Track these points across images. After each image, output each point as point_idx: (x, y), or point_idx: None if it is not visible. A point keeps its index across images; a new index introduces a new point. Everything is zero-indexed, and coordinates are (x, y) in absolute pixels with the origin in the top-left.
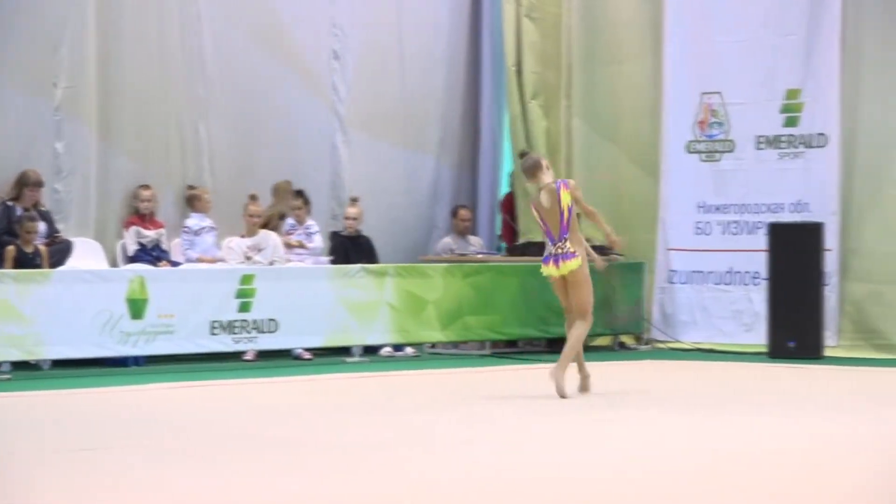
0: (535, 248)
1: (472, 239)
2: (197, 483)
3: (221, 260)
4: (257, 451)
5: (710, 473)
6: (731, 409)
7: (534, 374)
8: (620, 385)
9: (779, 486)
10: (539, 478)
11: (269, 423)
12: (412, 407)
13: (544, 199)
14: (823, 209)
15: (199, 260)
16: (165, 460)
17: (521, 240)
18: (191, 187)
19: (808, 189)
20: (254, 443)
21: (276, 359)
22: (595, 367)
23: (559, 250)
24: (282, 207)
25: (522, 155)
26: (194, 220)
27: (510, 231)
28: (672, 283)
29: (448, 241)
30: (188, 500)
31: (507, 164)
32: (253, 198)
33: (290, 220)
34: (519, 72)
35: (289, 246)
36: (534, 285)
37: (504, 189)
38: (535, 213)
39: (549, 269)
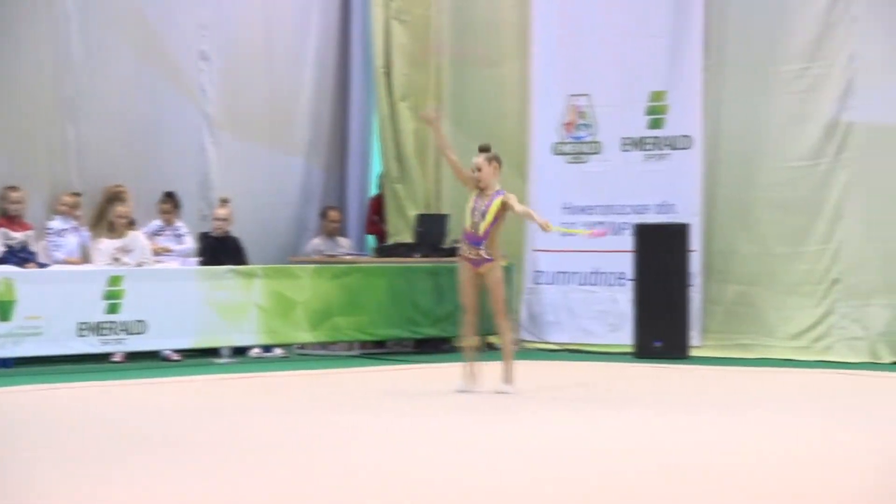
0: (404, 249)
1: (341, 240)
2: (59, 485)
3: (84, 261)
4: (122, 452)
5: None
6: (596, 408)
7: (402, 374)
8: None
9: (628, 483)
10: (397, 474)
11: (136, 424)
12: (281, 407)
13: (479, 202)
14: (688, 210)
15: (66, 262)
16: (32, 462)
17: (390, 241)
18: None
19: (673, 190)
20: (120, 444)
21: (145, 360)
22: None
23: (475, 255)
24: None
25: (487, 148)
26: (57, 222)
27: (379, 232)
28: (538, 283)
29: (317, 242)
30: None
31: (377, 166)
32: (121, 199)
33: (157, 222)
34: (388, 73)
35: (155, 252)
36: (402, 286)
37: (373, 190)
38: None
39: (465, 264)
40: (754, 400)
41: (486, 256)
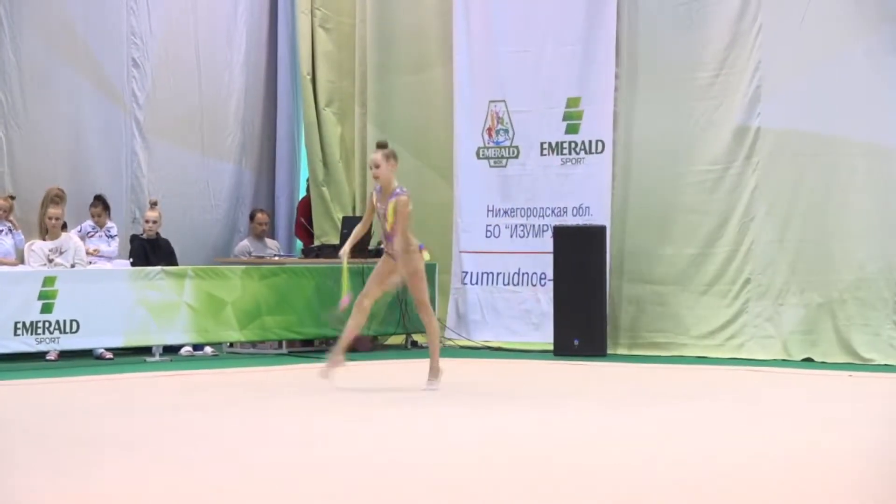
0: (330, 251)
1: (270, 242)
2: (4, 483)
3: (17, 262)
4: (55, 449)
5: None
6: (513, 404)
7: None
8: (412, 381)
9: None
10: (306, 467)
11: (72, 421)
12: (209, 404)
13: (380, 206)
14: (602, 213)
15: (1, 262)
16: None
17: (316, 242)
18: (10, 197)
19: (589, 194)
20: (51, 441)
21: (79, 359)
22: (387, 365)
23: (391, 250)
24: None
25: (384, 145)
26: None
27: (306, 234)
28: (464, 283)
29: (246, 243)
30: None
31: (304, 170)
32: (53, 201)
33: (89, 223)
34: (314, 80)
35: (87, 253)
36: (329, 286)
37: (301, 193)
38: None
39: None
40: (661, 395)
41: (399, 250)
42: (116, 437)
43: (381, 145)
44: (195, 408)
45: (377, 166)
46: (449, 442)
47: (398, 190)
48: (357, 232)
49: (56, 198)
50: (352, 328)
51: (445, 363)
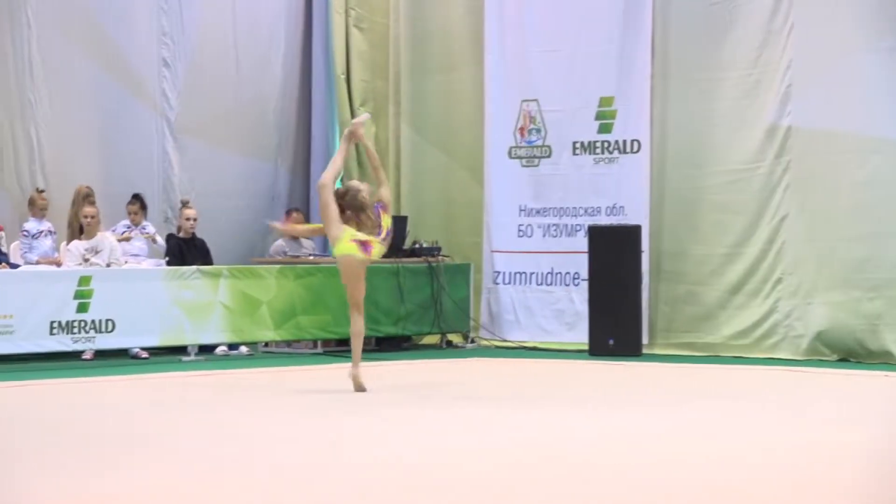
0: None
1: (305, 242)
2: (31, 482)
3: (58, 263)
4: (93, 448)
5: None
6: (550, 403)
7: (365, 371)
8: (447, 380)
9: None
10: (355, 467)
11: (106, 420)
12: (243, 404)
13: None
14: (637, 213)
15: (38, 263)
16: (3, 460)
17: None
18: (38, 191)
19: (623, 193)
20: (90, 440)
21: (114, 358)
22: (423, 365)
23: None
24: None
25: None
26: (32, 224)
27: None
28: (496, 283)
29: (281, 243)
30: (21, 500)
31: None
32: (87, 200)
33: (124, 222)
34: (348, 80)
35: (126, 239)
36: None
37: None
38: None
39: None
40: (697, 395)
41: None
42: (150, 437)
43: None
44: (229, 407)
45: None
46: (483, 443)
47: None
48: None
49: (88, 197)
50: (358, 335)
51: (482, 363)
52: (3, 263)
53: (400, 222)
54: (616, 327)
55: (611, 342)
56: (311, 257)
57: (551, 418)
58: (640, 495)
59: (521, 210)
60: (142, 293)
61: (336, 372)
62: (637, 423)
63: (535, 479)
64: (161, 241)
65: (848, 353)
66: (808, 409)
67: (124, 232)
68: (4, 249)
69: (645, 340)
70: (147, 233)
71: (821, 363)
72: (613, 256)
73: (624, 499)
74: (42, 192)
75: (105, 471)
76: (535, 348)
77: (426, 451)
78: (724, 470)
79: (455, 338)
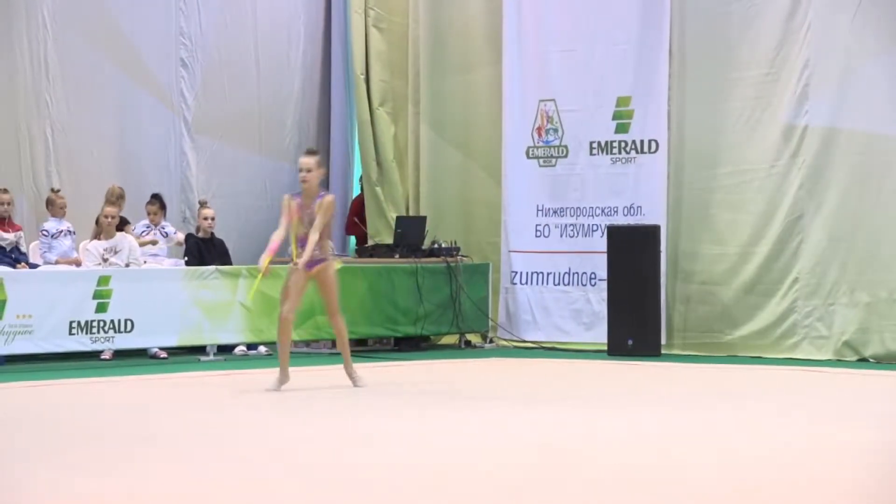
0: (384, 250)
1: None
2: (54, 482)
3: (77, 262)
4: (110, 447)
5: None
6: (573, 403)
7: (383, 371)
8: (466, 380)
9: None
10: (368, 467)
11: (123, 420)
12: (261, 404)
13: (304, 211)
14: (655, 212)
15: (58, 263)
16: (23, 459)
17: (370, 242)
18: (55, 190)
19: (641, 193)
20: (108, 440)
21: (133, 358)
22: (441, 365)
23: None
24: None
25: (315, 151)
26: (52, 224)
27: (359, 233)
28: (514, 283)
29: None
30: (42, 499)
31: (357, 169)
32: (109, 202)
33: (144, 222)
34: (367, 80)
35: (142, 244)
36: (382, 286)
37: (355, 192)
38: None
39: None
40: (723, 395)
41: (320, 257)
42: (168, 436)
43: (312, 152)
44: (247, 407)
45: (308, 171)
46: (502, 443)
47: (322, 192)
48: (276, 238)
49: (121, 198)
50: (285, 344)
51: (500, 363)
52: (23, 263)
53: (418, 222)
54: (635, 327)
55: (630, 342)
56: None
57: (575, 418)
58: (661, 496)
59: (538, 210)
60: (161, 293)
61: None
62: (660, 423)
63: (554, 480)
64: (180, 235)
65: (870, 353)
66: (830, 409)
67: (143, 232)
68: (23, 249)
69: (662, 340)
70: (168, 234)
71: (842, 364)
72: (632, 256)
73: (645, 499)
74: (58, 191)
75: (121, 470)
76: (553, 348)
77: (444, 451)
78: (747, 471)
79: (474, 338)
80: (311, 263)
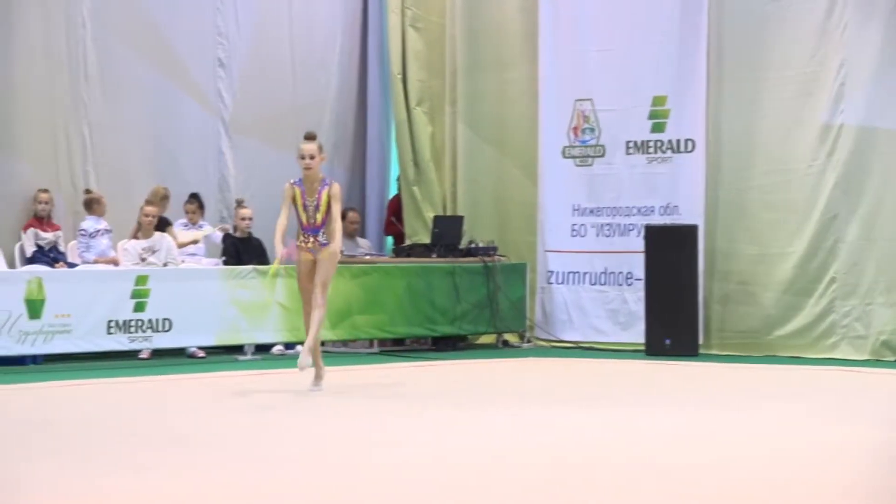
0: (421, 250)
1: (361, 241)
2: (92, 481)
3: (115, 262)
4: (151, 448)
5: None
6: (610, 403)
7: (420, 371)
8: (501, 382)
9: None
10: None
11: (161, 419)
12: (298, 404)
13: (308, 199)
14: (692, 212)
15: (96, 262)
16: (62, 458)
17: (407, 242)
18: (87, 191)
19: (678, 192)
20: (148, 440)
21: (171, 357)
22: (479, 364)
23: (313, 244)
24: (159, 211)
25: (314, 136)
26: (90, 223)
27: (397, 233)
28: (550, 283)
29: None
30: (82, 499)
31: (395, 169)
32: (148, 201)
33: (182, 221)
34: (404, 79)
35: (183, 244)
36: (420, 286)
37: (392, 192)
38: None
39: (304, 255)
40: (763, 395)
41: (323, 242)
42: (206, 436)
43: (312, 136)
44: (284, 407)
45: (311, 157)
46: (543, 443)
47: (327, 180)
48: (281, 227)
49: (165, 199)
50: (317, 323)
51: (539, 363)
52: (61, 263)
53: (456, 222)
54: (673, 327)
55: (667, 342)
56: (368, 257)
57: (620, 418)
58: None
59: (574, 210)
60: (198, 293)
61: (392, 371)
62: (703, 422)
63: (597, 480)
64: (218, 233)
65: None
66: (869, 410)
67: (186, 229)
68: (62, 249)
69: (700, 340)
70: (206, 230)
71: (880, 364)
72: (670, 256)
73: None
74: (90, 192)
75: (154, 470)
76: (591, 348)
77: (482, 452)
78: (784, 470)
79: (511, 338)
80: (315, 249)
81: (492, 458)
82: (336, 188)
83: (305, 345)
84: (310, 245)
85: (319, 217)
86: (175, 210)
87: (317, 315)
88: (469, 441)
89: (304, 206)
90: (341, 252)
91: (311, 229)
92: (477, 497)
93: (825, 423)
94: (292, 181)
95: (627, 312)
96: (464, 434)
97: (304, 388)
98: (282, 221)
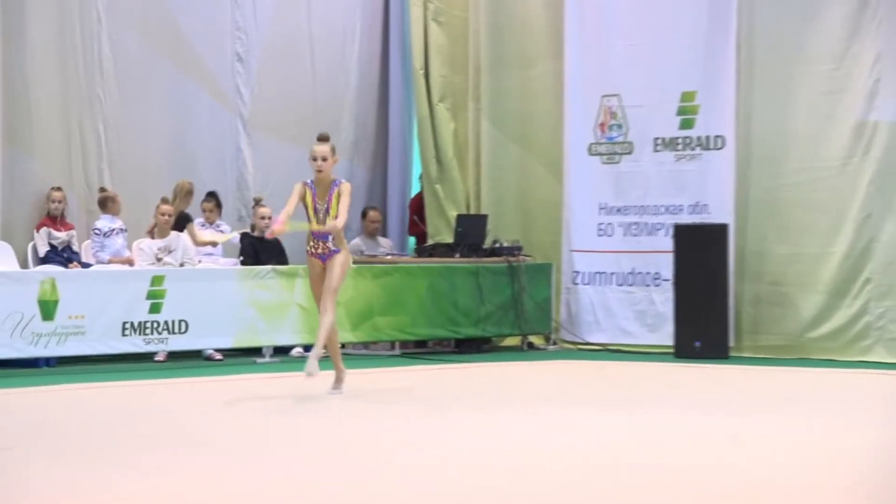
0: (444, 250)
1: (382, 240)
2: (105, 484)
3: (130, 261)
4: (165, 451)
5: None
6: (636, 406)
7: (442, 374)
8: (526, 384)
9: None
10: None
11: (177, 423)
12: (318, 406)
13: (318, 202)
14: (721, 211)
15: (110, 261)
16: (75, 461)
17: (430, 241)
18: (102, 189)
19: (707, 190)
20: (160, 443)
21: (187, 360)
22: (504, 367)
23: (324, 249)
24: (182, 206)
25: (327, 137)
26: (104, 222)
27: (419, 232)
28: (576, 283)
29: (358, 242)
30: (93, 501)
31: (417, 167)
32: (164, 199)
33: (199, 220)
34: (426, 75)
35: (202, 244)
36: (443, 286)
37: (414, 190)
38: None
39: (314, 261)
40: (793, 399)
41: (334, 248)
42: (220, 439)
43: (325, 138)
44: (302, 410)
45: (324, 159)
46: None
47: (338, 180)
48: (285, 212)
49: (190, 194)
50: (330, 330)
51: (566, 365)
52: (75, 263)
53: (479, 221)
54: (702, 329)
55: (697, 344)
56: (389, 256)
57: (642, 421)
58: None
59: (600, 208)
60: (215, 293)
61: (414, 373)
62: (729, 426)
63: (620, 482)
64: (236, 235)
65: None
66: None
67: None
68: (76, 248)
69: (730, 342)
70: (221, 231)
71: None
72: (699, 256)
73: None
74: (105, 190)
75: (171, 473)
76: (618, 350)
77: (504, 454)
78: (813, 474)
79: (536, 339)
80: (325, 256)
81: (514, 461)
82: (346, 185)
83: (312, 351)
84: (320, 251)
85: (332, 218)
86: (192, 209)
87: (324, 321)
88: (491, 443)
89: (315, 210)
90: (352, 261)
91: (320, 234)
92: (498, 499)
93: (855, 427)
94: (306, 181)
95: (655, 314)
96: (486, 436)
97: (322, 392)
98: (287, 209)
